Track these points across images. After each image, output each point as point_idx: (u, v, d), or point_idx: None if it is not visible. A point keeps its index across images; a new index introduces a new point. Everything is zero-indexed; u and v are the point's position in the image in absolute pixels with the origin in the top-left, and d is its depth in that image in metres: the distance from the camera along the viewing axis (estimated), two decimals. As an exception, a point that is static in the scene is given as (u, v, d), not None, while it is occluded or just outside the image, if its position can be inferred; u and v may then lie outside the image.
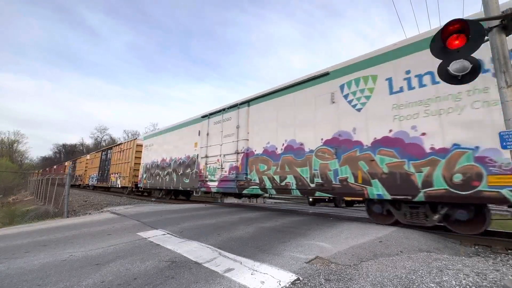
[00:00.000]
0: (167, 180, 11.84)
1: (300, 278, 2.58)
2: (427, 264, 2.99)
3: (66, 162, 36.36)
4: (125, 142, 17.82)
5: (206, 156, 9.67)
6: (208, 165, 9.57)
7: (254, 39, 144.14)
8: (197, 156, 10.16)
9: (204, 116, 10.24)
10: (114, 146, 19.49)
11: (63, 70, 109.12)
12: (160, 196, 13.32)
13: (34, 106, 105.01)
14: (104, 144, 54.11)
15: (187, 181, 10.57)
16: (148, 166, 13.58)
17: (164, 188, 12.14)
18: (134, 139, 16.67)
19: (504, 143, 2.41)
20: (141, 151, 15.08)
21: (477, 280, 2.52)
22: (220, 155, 9.03)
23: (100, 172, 21.02)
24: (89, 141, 61.99)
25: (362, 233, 4.46)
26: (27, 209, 14.05)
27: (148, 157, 13.73)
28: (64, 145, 63.70)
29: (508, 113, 2.42)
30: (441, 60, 2.76)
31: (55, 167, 40.93)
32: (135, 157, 15.73)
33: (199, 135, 10.31)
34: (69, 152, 59.52)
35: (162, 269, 2.88)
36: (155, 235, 4.52)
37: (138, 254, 3.45)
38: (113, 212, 7.62)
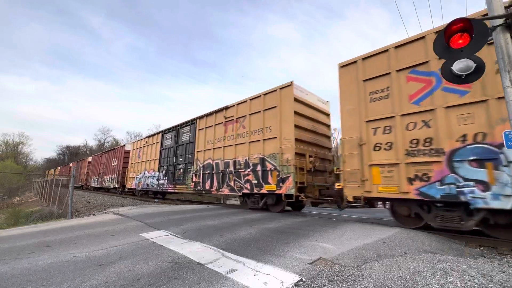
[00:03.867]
0: None
1: (303, 279, 2.56)
2: (432, 265, 2.96)
3: (118, 148, 20.40)
4: None
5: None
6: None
7: (254, 40, 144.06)
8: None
9: None
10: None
11: (65, 72, 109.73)
12: None
13: (38, 108, 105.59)
14: (107, 146, 54.01)
15: None
16: None
17: None
18: None
19: (510, 143, 2.39)
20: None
21: (483, 281, 2.49)
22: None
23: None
24: (92, 143, 62.43)
25: (365, 234, 4.44)
26: (31, 210, 14.17)
27: None
28: (68, 147, 63.97)
29: (513, 112, 2.39)
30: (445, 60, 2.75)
31: (90, 159, 26.94)
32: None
33: None
34: (73, 154, 59.83)
35: (165, 270, 2.88)
36: (158, 236, 4.54)
37: (141, 255, 3.46)
38: (116, 213, 7.65)
